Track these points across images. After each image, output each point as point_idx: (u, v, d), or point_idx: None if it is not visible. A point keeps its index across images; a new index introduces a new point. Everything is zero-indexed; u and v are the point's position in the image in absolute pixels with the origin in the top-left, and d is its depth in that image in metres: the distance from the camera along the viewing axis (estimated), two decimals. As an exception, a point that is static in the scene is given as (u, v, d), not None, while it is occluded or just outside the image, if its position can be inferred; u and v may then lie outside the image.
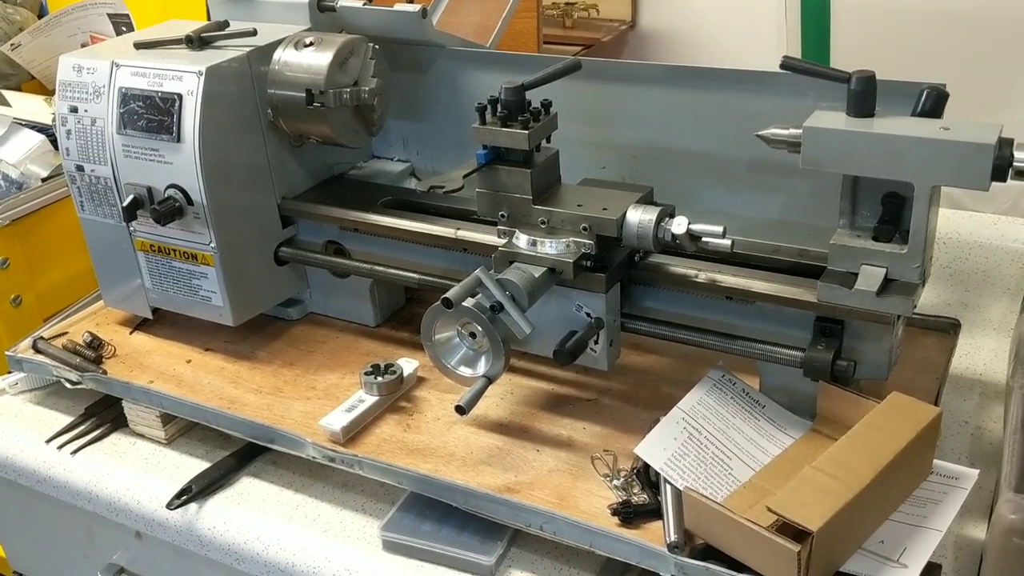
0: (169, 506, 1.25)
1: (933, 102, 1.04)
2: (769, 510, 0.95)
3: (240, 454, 1.31)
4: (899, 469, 1.00)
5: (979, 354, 1.42)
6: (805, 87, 1.21)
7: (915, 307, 1.05)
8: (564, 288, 1.17)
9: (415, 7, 1.39)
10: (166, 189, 1.32)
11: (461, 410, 1.12)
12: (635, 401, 1.28)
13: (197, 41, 1.33)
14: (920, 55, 1.93)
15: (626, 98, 1.34)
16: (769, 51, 2.22)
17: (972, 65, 1.88)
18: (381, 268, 1.39)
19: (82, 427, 1.40)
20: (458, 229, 1.31)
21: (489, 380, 1.15)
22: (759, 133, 1.08)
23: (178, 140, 1.29)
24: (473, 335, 1.16)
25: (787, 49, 2.08)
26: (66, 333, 1.49)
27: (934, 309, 1.43)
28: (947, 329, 1.36)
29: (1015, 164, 0.96)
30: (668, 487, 1.06)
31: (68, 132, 1.38)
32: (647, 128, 1.35)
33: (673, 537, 1.02)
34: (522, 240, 1.18)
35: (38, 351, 1.46)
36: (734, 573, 0.98)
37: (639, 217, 1.13)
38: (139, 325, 1.51)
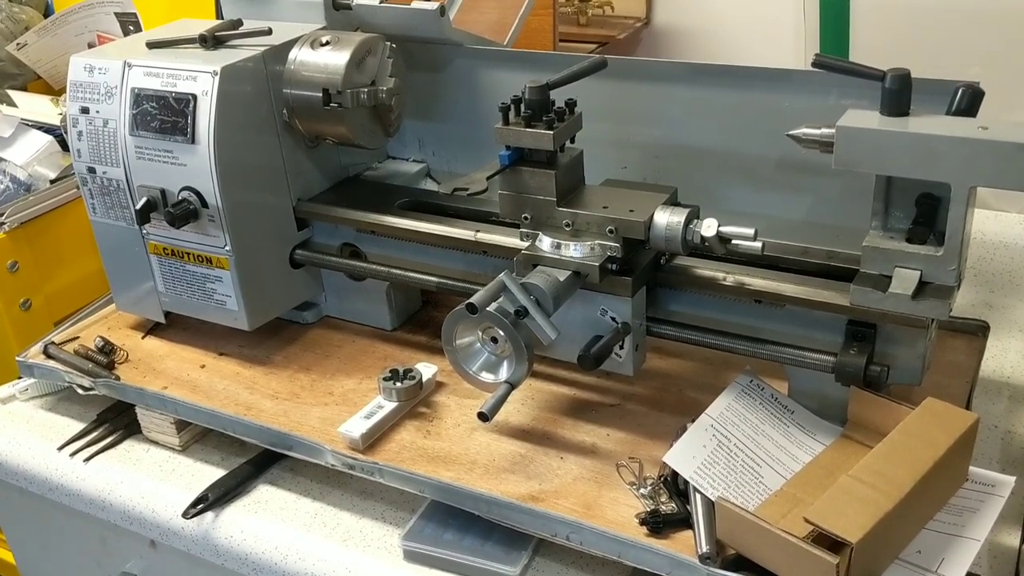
0: (185, 515, 1.23)
1: (969, 101, 1.01)
2: (806, 520, 0.92)
3: (257, 461, 1.29)
4: (937, 477, 0.97)
5: (1006, 356, 1.39)
6: (829, 85, 1.19)
7: (951, 310, 1.02)
8: (588, 292, 1.15)
9: (432, 5, 1.36)
10: (180, 191, 1.30)
11: (484, 417, 1.10)
12: (659, 407, 1.25)
13: (211, 40, 1.31)
14: (942, 51, 1.90)
15: (648, 96, 1.32)
16: (786, 48, 2.20)
17: (994, 61, 1.85)
18: (398, 271, 1.36)
19: (94, 434, 1.38)
20: (478, 231, 1.28)
21: (512, 386, 1.13)
22: (790, 133, 1.05)
23: (192, 141, 1.26)
24: (495, 340, 1.14)
25: (805, 46, 2.06)
26: (77, 338, 1.47)
27: (958, 310, 1.40)
28: (975, 331, 1.33)
29: (1056, 164, 0.93)
30: (698, 496, 1.04)
31: (79, 134, 1.36)
32: (669, 127, 1.32)
33: (705, 548, 0.99)
34: (546, 243, 1.16)
35: (49, 356, 1.44)
36: (768, 585, 0.96)
37: (667, 219, 1.11)
38: (151, 329, 1.49)
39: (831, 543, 0.91)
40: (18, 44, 2.25)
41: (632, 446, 1.18)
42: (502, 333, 1.10)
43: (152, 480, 1.30)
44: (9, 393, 1.47)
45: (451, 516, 1.14)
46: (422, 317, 1.49)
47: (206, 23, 1.37)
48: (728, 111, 1.28)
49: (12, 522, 1.54)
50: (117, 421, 1.39)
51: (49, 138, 1.91)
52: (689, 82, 1.29)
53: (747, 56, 2.31)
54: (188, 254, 1.36)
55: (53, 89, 2.30)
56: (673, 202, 1.17)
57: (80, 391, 1.39)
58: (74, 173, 1.41)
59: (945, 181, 0.98)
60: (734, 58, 2.11)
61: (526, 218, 1.18)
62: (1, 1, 2.34)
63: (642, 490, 1.10)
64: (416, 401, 1.28)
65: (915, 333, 1.07)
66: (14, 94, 2.20)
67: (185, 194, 1.29)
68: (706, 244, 1.09)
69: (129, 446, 1.37)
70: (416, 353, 1.40)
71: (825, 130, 1.03)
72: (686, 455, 1.07)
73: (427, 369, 1.30)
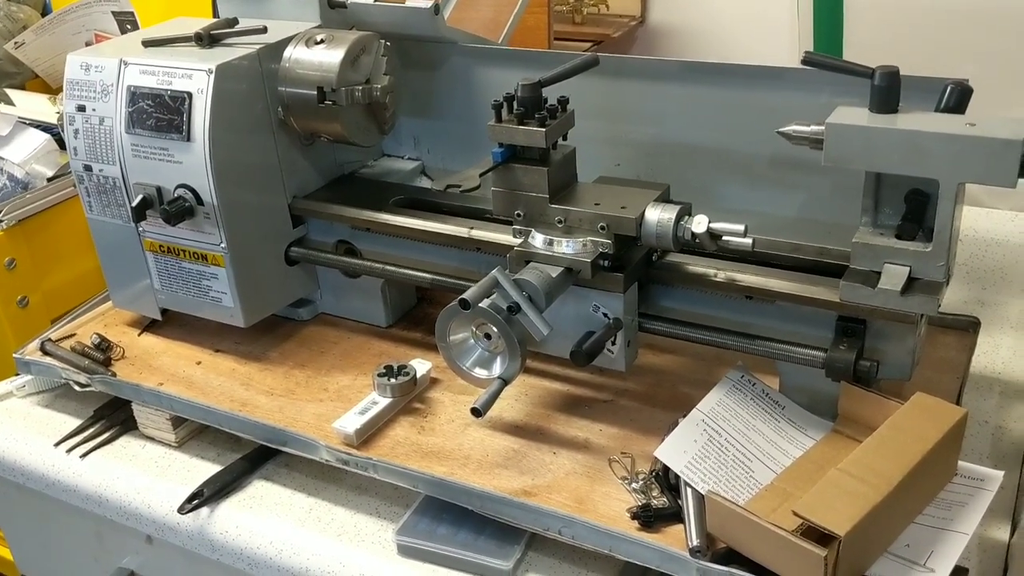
0: (181, 510, 1.23)
1: (957, 98, 1.02)
2: (795, 514, 0.93)
3: (252, 457, 1.30)
4: (925, 471, 0.98)
5: (998, 352, 1.40)
6: (821, 83, 1.19)
7: (940, 306, 1.03)
8: (581, 288, 1.16)
9: (427, 3, 1.37)
10: (175, 189, 1.30)
11: (477, 412, 1.11)
12: (652, 402, 1.26)
13: (207, 39, 1.32)
14: (936, 50, 1.91)
15: (641, 94, 1.33)
16: (780, 46, 2.21)
17: (988, 60, 1.86)
18: (393, 268, 1.37)
19: (91, 430, 1.39)
20: (471, 228, 1.29)
21: (505, 382, 1.14)
22: (780, 130, 1.06)
23: (188, 139, 1.27)
24: (488, 336, 1.15)
25: (799, 44, 2.07)
26: (74, 335, 1.47)
27: (950, 307, 1.41)
28: (966, 327, 1.34)
29: (1043, 160, 0.94)
30: (689, 490, 1.05)
31: (76, 131, 1.36)
32: (662, 124, 1.33)
33: (695, 541, 1.00)
34: (538, 240, 1.16)
35: (46, 353, 1.44)
36: (757, 578, 0.96)
37: (658, 216, 1.11)
38: (148, 326, 1.49)
39: (819, 536, 0.92)
40: (16, 43, 2.26)
41: (624, 441, 1.19)
42: (495, 329, 1.11)
43: (148, 476, 1.31)
44: (6, 390, 1.48)
45: (445, 511, 1.15)
46: (417, 314, 1.49)
47: (202, 21, 1.38)
48: (721, 109, 1.28)
49: (9, 518, 1.55)
50: (113, 417, 1.40)
51: (46, 136, 1.91)
52: (682, 80, 1.30)
53: (742, 54, 2.31)
54: (184, 251, 1.36)
55: (51, 88, 2.30)
56: (665, 199, 1.17)
57: (77, 388, 1.40)
58: (71, 171, 1.42)
59: (933, 177, 0.99)
60: (729, 56, 2.12)
61: (519, 215, 1.19)
62: (-1, 0, 2.35)
63: (634, 485, 1.11)
64: (410, 397, 1.28)
65: (904, 329, 1.08)
66: (12, 93, 2.20)
67: (181, 191, 1.30)
68: (697, 240, 1.10)
69: (125, 442, 1.37)
70: (411, 349, 1.40)
71: (815, 127, 1.03)
72: (677, 450, 1.08)
73: (421, 365, 1.31)
